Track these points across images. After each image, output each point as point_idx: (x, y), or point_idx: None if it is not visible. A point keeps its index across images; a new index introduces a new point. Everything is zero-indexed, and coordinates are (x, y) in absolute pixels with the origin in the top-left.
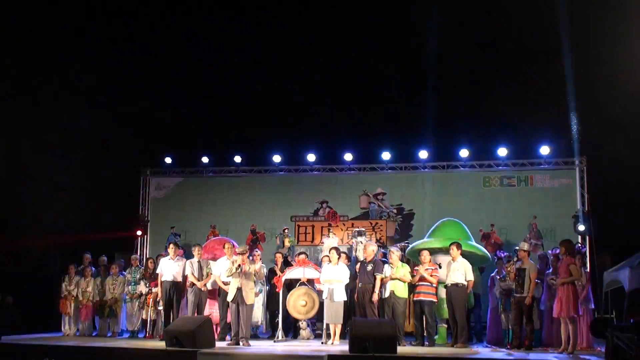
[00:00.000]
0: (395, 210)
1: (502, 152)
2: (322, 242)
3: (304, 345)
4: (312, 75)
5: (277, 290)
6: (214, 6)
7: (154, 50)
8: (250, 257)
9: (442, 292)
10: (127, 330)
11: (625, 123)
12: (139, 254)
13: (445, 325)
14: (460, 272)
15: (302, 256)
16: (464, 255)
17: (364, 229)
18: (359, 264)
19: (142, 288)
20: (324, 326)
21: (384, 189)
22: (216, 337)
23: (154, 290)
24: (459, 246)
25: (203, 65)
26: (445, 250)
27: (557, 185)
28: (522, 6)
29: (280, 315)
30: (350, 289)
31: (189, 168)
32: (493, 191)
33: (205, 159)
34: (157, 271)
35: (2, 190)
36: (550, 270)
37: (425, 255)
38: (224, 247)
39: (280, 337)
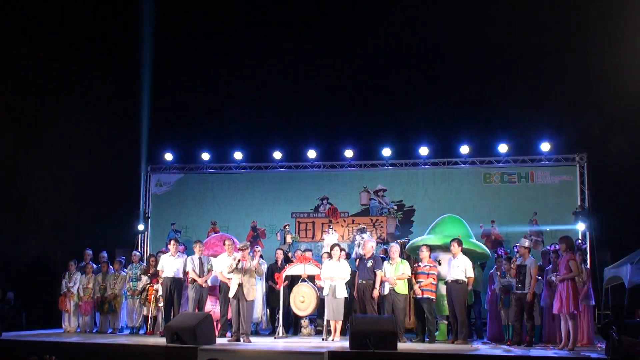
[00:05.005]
0: (395, 207)
1: (503, 148)
2: (323, 239)
3: (305, 341)
4: (312, 71)
5: (277, 287)
6: (215, 3)
7: (154, 46)
8: (251, 254)
9: (443, 289)
10: (127, 327)
11: (625, 119)
12: (139, 250)
13: (446, 322)
14: (460, 268)
15: (299, 252)
16: (464, 251)
17: (365, 227)
18: (358, 261)
19: (144, 284)
20: (325, 323)
21: (384, 186)
22: (217, 333)
23: (155, 286)
24: (459, 243)
25: (204, 61)
26: (446, 247)
27: (558, 182)
28: (522, 2)
29: (280, 312)
30: (350, 285)
31: (189, 164)
32: (493, 187)
33: (205, 156)
34: (158, 268)
35: (3, 187)
36: (551, 266)
37: (424, 251)
38: (224, 244)
39: (280, 334)
